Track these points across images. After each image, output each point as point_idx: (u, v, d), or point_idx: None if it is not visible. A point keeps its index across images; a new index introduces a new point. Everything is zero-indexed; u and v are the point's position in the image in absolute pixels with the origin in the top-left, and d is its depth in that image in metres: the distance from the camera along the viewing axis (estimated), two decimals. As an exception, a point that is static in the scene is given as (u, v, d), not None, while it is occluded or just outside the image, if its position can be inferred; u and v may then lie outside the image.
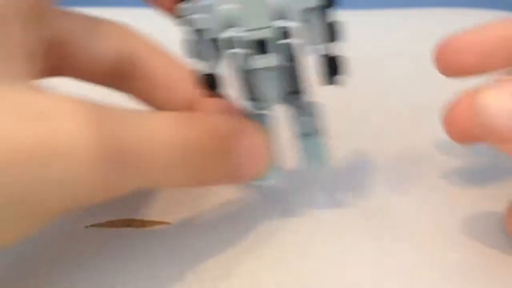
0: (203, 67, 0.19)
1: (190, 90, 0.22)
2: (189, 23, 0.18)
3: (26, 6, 0.17)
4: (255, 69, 0.19)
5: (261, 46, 0.18)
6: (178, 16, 0.19)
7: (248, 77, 0.20)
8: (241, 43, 0.18)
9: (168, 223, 0.22)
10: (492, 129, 0.17)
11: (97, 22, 0.21)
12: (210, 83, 0.19)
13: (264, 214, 0.23)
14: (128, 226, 0.22)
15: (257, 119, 0.21)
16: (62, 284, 0.19)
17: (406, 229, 0.22)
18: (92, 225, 0.22)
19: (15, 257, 0.20)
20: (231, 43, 0.19)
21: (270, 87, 0.19)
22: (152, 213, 0.22)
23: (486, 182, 0.24)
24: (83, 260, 0.20)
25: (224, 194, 0.24)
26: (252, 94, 0.20)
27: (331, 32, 0.19)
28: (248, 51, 0.18)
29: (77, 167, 0.14)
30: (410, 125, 0.27)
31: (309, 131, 0.21)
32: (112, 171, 0.15)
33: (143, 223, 0.22)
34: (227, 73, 0.19)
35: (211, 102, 0.22)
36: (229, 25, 0.18)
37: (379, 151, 0.24)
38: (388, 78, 0.30)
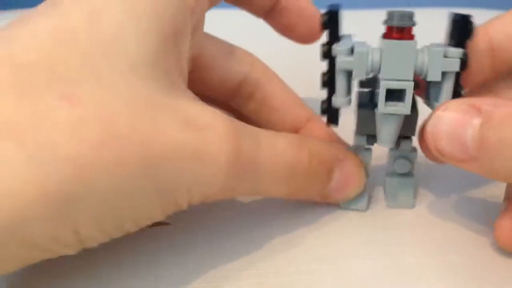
0: (331, 100, 0.21)
1: (298, 114, 0.25)
2: (335, 62, 0.20)
3: (194, 20, 0.19)
4: (384, 113, 0.20)
5: (398, 95, 0.19)
6: (323, 53, 0.20)
7: (370, 117, 0.21)
8: (382, 88, 0.19)
9: (168, 224, 0.22)
10: (440, 152, 0.18)
11: (231, 46, 0.24)
12: (333, 115, 0.21)
13: (264, 216, 0.23)
14: (128, 226, 0.22)
15: (358, 151, 0.22)
16: (61, 283, 0.19)
17: (406, 230, 0.22)
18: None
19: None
20: (370, 85, 0.21)
21: (391, 130, 0.21)
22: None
23: (486, 183, 0.25)
24: (83, 259, 0.20)
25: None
26: (366, 131, 0.22)
27: (457, 94, 0.20)
28: (385, 95, 0.19)
29: (214, 172, 0.17)
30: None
31: (403, 172, 0.23)
32: (236, 179, 0.18)
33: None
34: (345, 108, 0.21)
35: (316, 128, 0.24)
36: (373, 71, 0.19)
37: (379, 152, 0.24)
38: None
